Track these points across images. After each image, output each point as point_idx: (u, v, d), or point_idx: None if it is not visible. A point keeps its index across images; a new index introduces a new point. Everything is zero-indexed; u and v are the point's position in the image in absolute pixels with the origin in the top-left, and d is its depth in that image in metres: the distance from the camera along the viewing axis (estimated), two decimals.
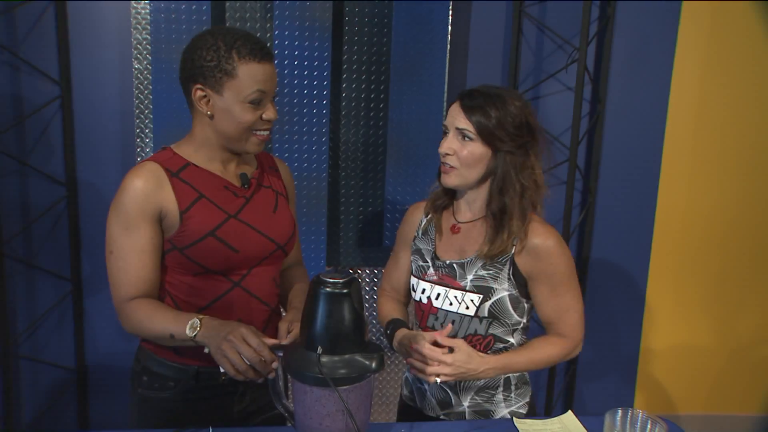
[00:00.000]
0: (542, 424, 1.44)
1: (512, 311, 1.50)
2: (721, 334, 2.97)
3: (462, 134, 1.44)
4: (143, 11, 2.25)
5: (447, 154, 1.46)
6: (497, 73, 2.60)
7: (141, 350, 1.50)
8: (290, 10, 2.26)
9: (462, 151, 1.44)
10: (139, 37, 2.27)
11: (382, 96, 2.42)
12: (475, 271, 1.49)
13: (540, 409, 2.77)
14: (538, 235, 1.46)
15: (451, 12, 2.35)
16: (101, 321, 2.56)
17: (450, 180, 1.48)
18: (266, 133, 1.40)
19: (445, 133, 1.49)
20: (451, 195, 1.58)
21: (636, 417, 1.21)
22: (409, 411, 1.64)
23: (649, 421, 1.20)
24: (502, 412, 1.54)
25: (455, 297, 1.50)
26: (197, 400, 1.45)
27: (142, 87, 2.29)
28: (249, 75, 1.32)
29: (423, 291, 1.55)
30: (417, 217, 1.64)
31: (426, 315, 1.55)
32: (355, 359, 1.18)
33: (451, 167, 1.46)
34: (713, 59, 2.69)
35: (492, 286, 1.48)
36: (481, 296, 1.47)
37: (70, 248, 2.46)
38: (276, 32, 2.26)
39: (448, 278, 1.52)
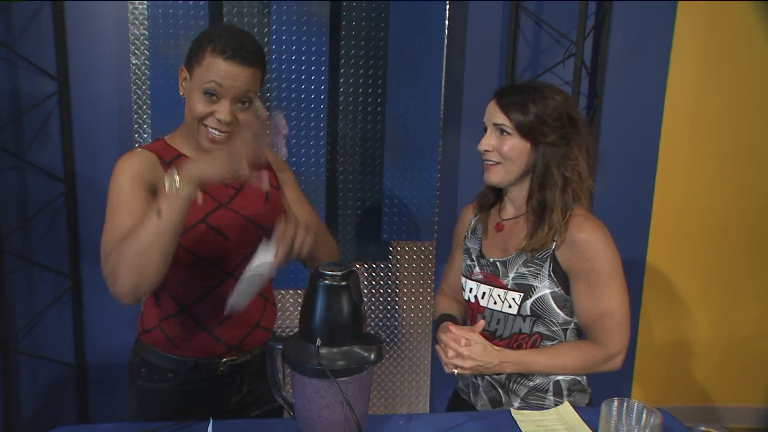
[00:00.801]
0: (539, 415, 1.45)
1: (558, 310, 1.46)
2: (717, 327, 2.99)
3: (500, 130, 1.44)
4: (140, 7, 2.25)
5: (486, 151, 1.46)
6: (494, 67, 2.60)
7: (139, 343, 1.50)
8: (288, 7, 2.26)
9: (503, 147, 1.43)
10: (137, 33, 2.27)
11: (379, 91, 2.43)
12: (516, 269, 1.47)
13: None
14: (579, 229, 1.41)
15: (448, 7, 2.36)
16: (100, 316, 2.56)
17: (493, 176, 1.47)
18: (217, 133, 1.36)
19: (484, 131, 1.49)
20: (497, 193, 1.57)
21: (632, 407, 1.23)
22: (462, 403, 1.64)
23: (645, 411, 1.21)
24: None
25: (498, 296, 1.49)
26: (196, 391, 1.46)
27: (140, 83, 2.30)
28: (210, 66, 1.33)
29: (470, 290, 1.55)
30: (468, 216, 1.66)
31: (475, 314, 1.55)
32: (354, 351, 1.19)
33: (495, 163, 1.46)
34: (709, 53, 2.70)
35: (532, 284, 1.44)
36: (522, 294, 1.45)
37: (69, 243, 2.47)
38: (273, 27, 2.26)
39: (492, 277, 1.51)
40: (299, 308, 1.27)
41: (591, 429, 1.36)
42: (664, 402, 2.98)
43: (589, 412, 1.43)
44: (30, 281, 2.51)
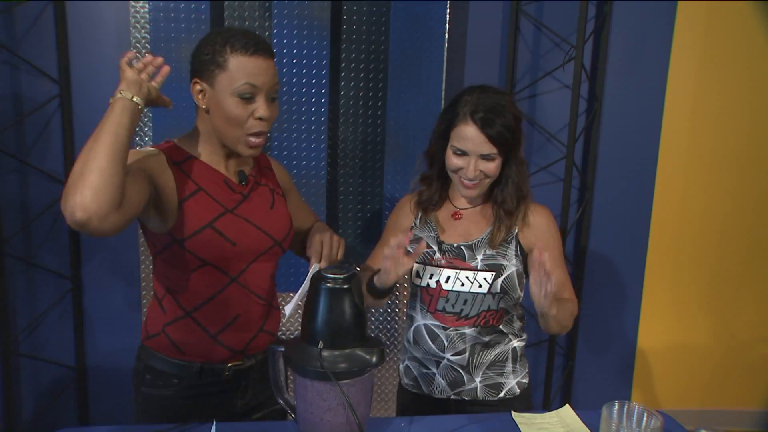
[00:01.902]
0: (540, 418, 1.46)
1: (517, 286, 1.59)
2: (717, 331, 2.99)
3: (485, 157, 1.51)
4: (142, 10, 2.26)
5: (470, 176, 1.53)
6: (494, 71, 2.61)
7: (143, 349, 1.50)
8: (289, 9, 2.27)
9: (488, 170, 1.53)
10: (138, 36, 2.28)
11: (380, 94, 2.44)
12: (484, 251, 1.58)
13: (538, 405, 2.79)
14: (536, 213, 1.62)
15: (448, 11, 2.37)
16: (101, 319, 2.56)
17: (474, 192, 1.57)
18: (260, 139, 1.39)
19: (459, 154, 1.53)
20: (443, 188, 1.66)
21: (632, 410, 1.23)
22: (413, 399, 1.69)
23: (645, 414, 1.22)
24: (511, 383, 1.63)
25: (466, 277, 1.57)
26: (201, 396, 1.46)
27: None
28: (239, 67, 1.32)
29: (431, 276, 1.60)
30: (411, 207, 1.70)
31: (435, 299, 1.60)
32: (356, 353, 1.20)
33: (476, 183, 1.54)
34: (709, 56, 2.71)
35: (502, 263, 1.57)
36: (494, 273, 1.56)
37: (70, 246, 2.47)
38: (275, 31, 2.27)
39: (456, 260, 1.59)
40: (301, 311, 1.28)
41: (591, 431, 1.36)
42: (664, 405, 2.98)
43: (590, 416, 1.44)
44: (31, 284, 2.51)
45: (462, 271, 1.58)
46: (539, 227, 1.61)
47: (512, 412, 1.47)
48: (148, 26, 2.25)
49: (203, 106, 1.39)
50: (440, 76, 2.40)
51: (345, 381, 1.19)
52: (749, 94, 2.77)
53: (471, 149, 1.51)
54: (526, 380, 1.67)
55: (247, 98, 1.34)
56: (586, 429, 1.39)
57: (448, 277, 1.58)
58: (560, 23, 2.57)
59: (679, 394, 3.03)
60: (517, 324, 1.67)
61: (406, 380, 1.72)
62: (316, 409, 1.21)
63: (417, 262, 1.63)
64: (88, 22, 2.37)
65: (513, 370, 1.64)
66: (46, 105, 2.38)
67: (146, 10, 2.25)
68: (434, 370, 1.63)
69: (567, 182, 2.57)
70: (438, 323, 1.60)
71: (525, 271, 1.60)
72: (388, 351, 2.62)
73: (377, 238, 2.50)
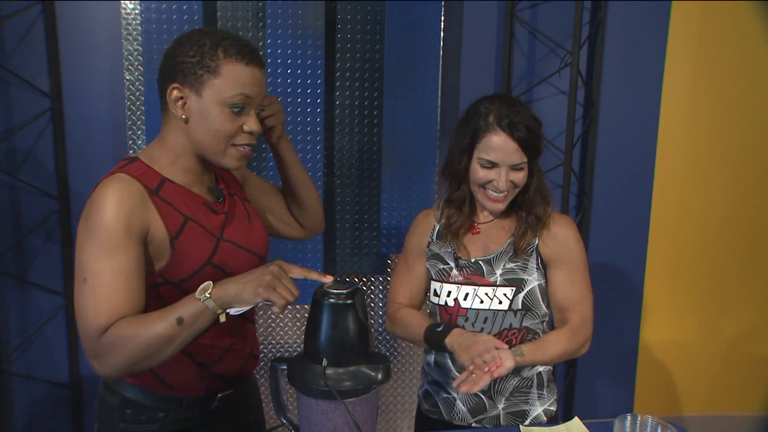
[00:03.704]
0: (549, 431, 1.43)
1: (542, 302, 1.54)
2: (717, 333, 2.98)
3: (515, 167, 1.46)
4: (134, 22, 2.23)
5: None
6: (490, 77, 2.60)
7: (118, 381, 1.32)
8: (282, 18, 2.24)
9: (517, 180, 1.48)
10: (131, 48, 2.25)
11: (376, 103, 2.41)
12: (503, 265, 1.52)
13: None
14: (558, 223, 1.55)
15: (443, 17, 2.35)
16: None
17: (503, 206, 1.52)
18: (248, 148, 1.25)
19: (488, 167, 1.46)
20: (463, 204, 1.57)
21: (645, 422, 1.21)
22: (433, 425, 1.61)
23: (660, 427, 1.19)
24: (537, 411, 1.56)
25: (485, 294, 1.51)
26: (186, 429, 1.34)
27: (134, 98, 2.27)
28: (234, 75, 1.18)
29: (448, 293, 1.54)
30: (429, 223, 1.63)
31: (454, 318, 1.54)
32: (361, 371, 1.17)
33: (504, 195, 1.48)
34: (704, 59, 2.71)
35: (522, 277, 1.51)
36: (514, 288, 1.50)
37: (63, 262, 2.43)
38: (269, 41, 2.25)
39: (475, 276, 1.53)
40: (297, 324, 1.25)
41: None
42: (669, 411, 2.96)
43: (600, 428, 1.41)
44: (23, 300, 2.47)
45: (480, 287, 1.51)
46: (562, 237, 1.54)
47: (521, 426, 1.44)
48: (140, 38, 2.22)
49: (182, 116, 1.21)
50: (436, 83, 2.39)
51: (350, 399, 1.15)
52: (745, 94, 2.76)
53: (502, 159, 1.44)
54: (554, 407, 1.59)
55: (238, 110, 1.20)
56: None
57: (467, 294, 1.52)
58: (555, 29, 2.56)
59: (682, 399, 3.01)
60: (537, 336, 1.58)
61: (425, 406, 1.65)
62: (321, 428, 1.18)
63: (434, 280, 1.58)
64: (78, 35, 2.34)
65: (539, 396, 1.56)
66: (38, 119, 2.34)
67: (138, 22, 2.22)
68: (455, 395, 1.57)
69: (565, 189, 2.56)
70: None
71: (547, 285, 1.55)
72: (394, 369, 2.58)
73: (375, 247, 2.49)
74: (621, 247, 2.80)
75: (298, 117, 2.32)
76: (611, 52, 2.63)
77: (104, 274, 1.13)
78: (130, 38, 2.24)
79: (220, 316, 1.14)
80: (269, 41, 2.25)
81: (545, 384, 1.58)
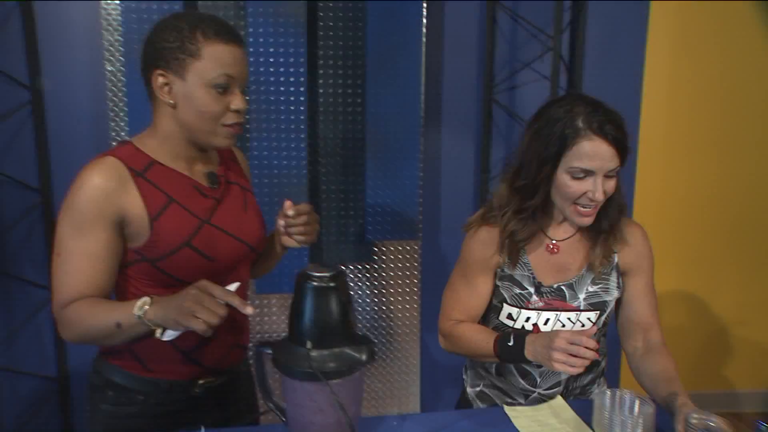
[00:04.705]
0: (532, 410, 1.45)
1: (614, 314, 1.51)
2: (699, 315, 3.02)
3: (609, 174, 1.36)
4: (114, 12, 2.21)
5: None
6: (473, 63, 2.61)
7: (102, 363, 1.36)
8: (264, 8, 2.23)
9: (611, 189, 1.38)
10: (111, 39, 2.23)
11: (359, 91, 2.41)
12: (586, 289, 1.46)
13: None
14: (630, 229, 1.48)
15: (425, 4, 2.35)
16: None
17: (591, 220, 1.40)
18: (238, 126, 1.28)
19: (581, 177, 1.35)
20: (535, 217, 1.45)
21: (624, 397, 1.23)
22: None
23: (637, 401, 1.21)
24: None
25: (568, 318, 1.46)
26: (168, 414, 1.35)
27: (115, 89, 2.26)
28: (214, 56, 1.21)
29: (527, 319, 1.47)
30: (493, 240, 1.48)
31: None
32: (345, 352, 1.18)
33: (596, 207, 1.38)
34: (684, 42, 2.74)
35: (605, 299, 1.47)
36: (598, 312, 1.46)
37: (47, 255, 2.42)
38: (250, 30, 2.24)
39: (557, 302, 1.46)
40: (286, 313, 1.25)
41: (584, 422, 1.35)
42: None
43: (581, 405, 1.43)
44: (7, 294, 2.45)
45: (563, 313, 1.45)
46: (639, 246, 1.48)
47: (504, 406, 1.46)
48: (120, 28, 2.20)
49: (169, 101, 1.24)
50: (419, 71, 2.39)
51: (335, 381, 1.16)
52: (725, 76, 2.80)
53: (599, 166, 1.33)
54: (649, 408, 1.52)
55: (223, 90, 1.23)
56: (579, 419, 1.38)
57: (547, 320, 1.46)
58: (537, 14, 2.57)
59: None
60: (603, 342, 1.57)
61: (480, 404, 1.59)
62: (306, 410, 1.18)
63: (510, 304, 1.48)
64: (57, 25, 2.32)
65: (598, 385, 1.57)
66: (18, 111, 2.32)
67: (118, 12, 2.20)
68: (521, 401, 1.53)
69: None
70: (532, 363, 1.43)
71: (623, 295, 1.50)
72: (376, 349, 2.60)
73: (361, 235, 2.49)
74: None
75: (282, 106, 2.31)
76: (593, 37, 2.65)
77: (74, 254, 1.21)
78: (111, 29, 2.22)
79: (156, 334, 1.14)
80: (251, 30, 2.24)
81: (603, 373, 1.60)
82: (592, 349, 1.22)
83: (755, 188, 2.96)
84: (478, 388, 1.61)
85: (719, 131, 2.84)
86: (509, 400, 1.54)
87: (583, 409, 1.39)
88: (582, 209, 1.37)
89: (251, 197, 1.47)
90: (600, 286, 1.46)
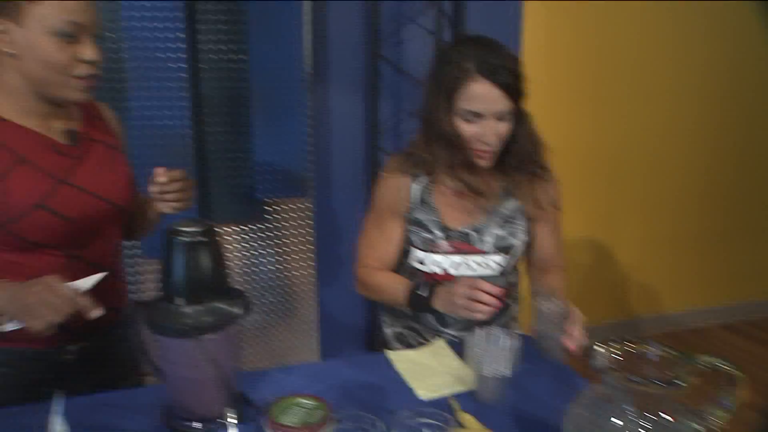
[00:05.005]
0: (414, 353, 1.49)
1: (522, 256, 1.56)
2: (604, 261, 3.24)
3: (499, 115, 1.36)
4: None
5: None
6: (360, 17, 2.58)
7: None
8: None
9: (502, 132, 1.38)
10: None
11: (243, 46, 2.34)
12: (494, 233, 1.48)
13: None
14: (541, 175, 1.52)
15: None
16: None
17: (488, 162, 1.42)
18: (90, 78, 1.20)
19: (471, 120, 1.36)
20: (442, 161, 1.46)
21: (495, 334, 1.28)
22: None
23: (503, 336, 1.26)
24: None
25: (475, 262, 1.48)
26: (41, 382, 1.29)
27: None
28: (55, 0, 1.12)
29: (437, 263, 1.49)
30: (405, 185, 1.50)
31: None
32: (219, 307, 1.17)
33: (490, 149, 1.39)
34: None
35: (512, 242, 1.50)
36: (506, 256, 1.50)
37: None
38: None
39: (464, 246, 1.48)
40: None
41: (460, 360, 1.42)
42: None
43: (457, 346, 1.48)
44: None
45: (470, 256, 1.47)
46: (553, 191, 1.53)
47: (385, 351, 1.50)
48: None
49: (8, 51, 1.14)
50: (301, 27, 2.34)
51: (210, 336, 1.16)
52: (600, 27, 2.94)
53: (483, 108, 1.34)
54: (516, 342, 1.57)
55: (69, 38, 1.14)
56: (458, 359, 1.43)
57: (456, 264, 1.48)
58: None
59: None
60: (514, 288, 1.60)
61: (398, 345, 1.62)
62: (182, 368, 1.18)
63: (419, 248, 1.49)
64: None
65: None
66: None
67: None
68: (432, 340, 1.54)
69: None
70: None
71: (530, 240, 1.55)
72: (272, 308, 2.60)
73: (251, 193, 2.45)
74: None
75: (160, 63, 2.21)
76: None
77: None
78: None
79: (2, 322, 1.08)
80: None
81: (515, 319, 1.63)
82: (494, 295, 1.26)
83: (629, 137, 3.18)
84: (396, 329, 1.64)
85: (596, 77, 3.02)
86: (422, 341, 1.57)
87: (460, 347, 1.45)
88: (479, 152, 1.39)
89: (120, 155, 1.40)
90: (507, 230, 1.50)
